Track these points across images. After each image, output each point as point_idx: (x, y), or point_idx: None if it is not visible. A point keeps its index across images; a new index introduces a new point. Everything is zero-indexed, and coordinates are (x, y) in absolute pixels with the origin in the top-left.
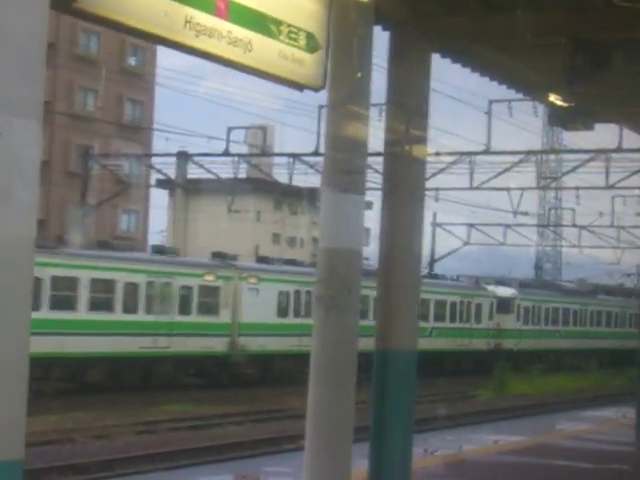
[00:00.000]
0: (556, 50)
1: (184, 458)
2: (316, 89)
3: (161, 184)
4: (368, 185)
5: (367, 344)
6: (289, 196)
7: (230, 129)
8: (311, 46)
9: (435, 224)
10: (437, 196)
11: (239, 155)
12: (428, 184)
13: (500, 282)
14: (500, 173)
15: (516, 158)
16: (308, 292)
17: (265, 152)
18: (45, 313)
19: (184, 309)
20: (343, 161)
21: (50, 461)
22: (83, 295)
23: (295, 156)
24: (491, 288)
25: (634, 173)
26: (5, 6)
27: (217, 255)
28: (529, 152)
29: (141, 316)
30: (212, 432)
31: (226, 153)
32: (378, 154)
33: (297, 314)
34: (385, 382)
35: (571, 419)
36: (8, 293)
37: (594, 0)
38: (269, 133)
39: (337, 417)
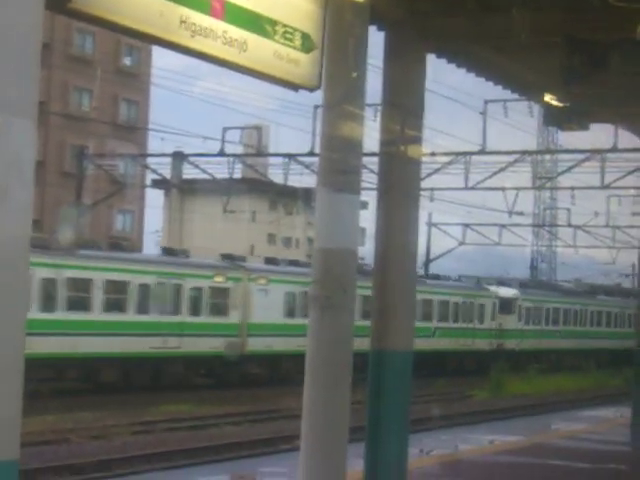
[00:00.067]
0: (553, 50)
1: (183, 458)
2: (311, 89)
3: (156, 184)
4: (363, 185)
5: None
6: (284, 196)
7: (225, 129)
8: (306, 46)
9: (430, 224)
10: (432, 196)
11: (234, 155)
12: (423, 184)
13: (501, 283)
14: (495, 173)
15: (511, 158)
16: None
17: (260, 152)
18: (61, 314)
19: (194, 310)
20: (338, 161)
21: (47, 461)
22: (97, 296)
23: (290, 156)
24: (493, 289)
25: (629, 173)
26: (0, 6)
27: (226, 257)
28: (524, 152)
29: (153, 317)
30: (216, 432)
31: (221, 153)
32: (373, 154)
33: (304, 314)
34: (381, 382)
35: (568, 419)
36: (3, 293)
37: (591, 0)
38: (264, 133)
39: (332, 417)
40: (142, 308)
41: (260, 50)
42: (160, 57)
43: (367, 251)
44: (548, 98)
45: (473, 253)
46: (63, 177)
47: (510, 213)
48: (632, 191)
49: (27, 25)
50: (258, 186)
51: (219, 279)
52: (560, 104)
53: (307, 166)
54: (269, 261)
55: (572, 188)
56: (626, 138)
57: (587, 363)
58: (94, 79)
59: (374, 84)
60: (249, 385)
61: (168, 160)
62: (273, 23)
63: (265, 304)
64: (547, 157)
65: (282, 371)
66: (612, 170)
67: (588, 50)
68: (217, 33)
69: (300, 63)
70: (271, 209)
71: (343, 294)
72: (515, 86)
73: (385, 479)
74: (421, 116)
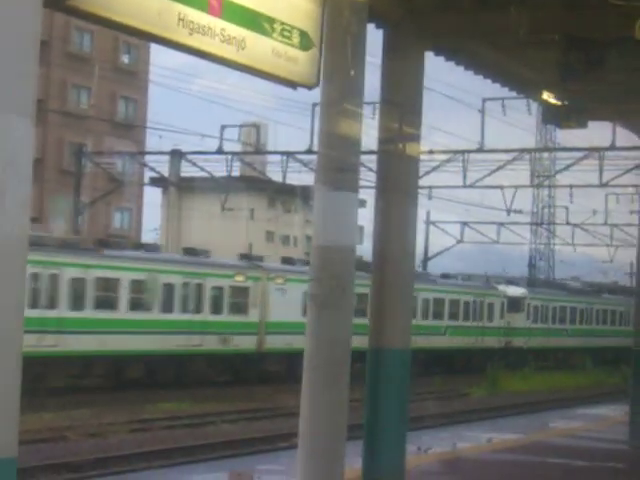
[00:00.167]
0: (550, 48)
1: (180, 456)
2: (310, 87)
3: (154, 182)
4: (361, 183)
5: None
6: (283, 194)
7: (223, 127)
8: (305, 44)
9: (428, 222)
10: (430, 194)
11: (232, 153)
12: (421, 182)
13: (510, 281)
14: (493, 171)
15: (510, 156)
16: None
17: (258, 150)
18: (89, 312)
19: (216, 308)
20: (337, 159)
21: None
22: (123, 296)
23: (289, 154)
24: (502, 287)
25: (627, 171)
26: None
27: (244, 256)
28: (522, 150)
29: (177, 315)
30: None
31: (219, 151)
32: (372, 152)
33: None
34: (379, 380)
35: (566, 417)
36: (1, 290)
37: None
38: (262, 131)
39: (331, 415)
40: (167, 307)
41: (258, 48)
42: (158, 55)
43: (365, 249)
44: (546, 96)
45: (471, 251)
46: (61, 175)
47: (508, 211)
48: (630, 189)
49: (25, 23)
50: (256, 184)
51: (239, 278)
52: (558, 102)
53: (305, 164)
54: (286, 261)
55: (570, 186)
56: (624, 136)
57: (588, 361)
58: (92, 77)
59: (372, 82)
60: (267, 382)
61: (166, 158)
62: (271, 21)
63: (283, 303)
64: (545, 155)
65: (300, 368)
66: (610, 168)
67: (585, 48)
68: (215, 31)
69: (298, 61)
70: (269, 207)
71: (342, 292)
72: (513, 84)
73: (383, 477)
74: (419, 114)
